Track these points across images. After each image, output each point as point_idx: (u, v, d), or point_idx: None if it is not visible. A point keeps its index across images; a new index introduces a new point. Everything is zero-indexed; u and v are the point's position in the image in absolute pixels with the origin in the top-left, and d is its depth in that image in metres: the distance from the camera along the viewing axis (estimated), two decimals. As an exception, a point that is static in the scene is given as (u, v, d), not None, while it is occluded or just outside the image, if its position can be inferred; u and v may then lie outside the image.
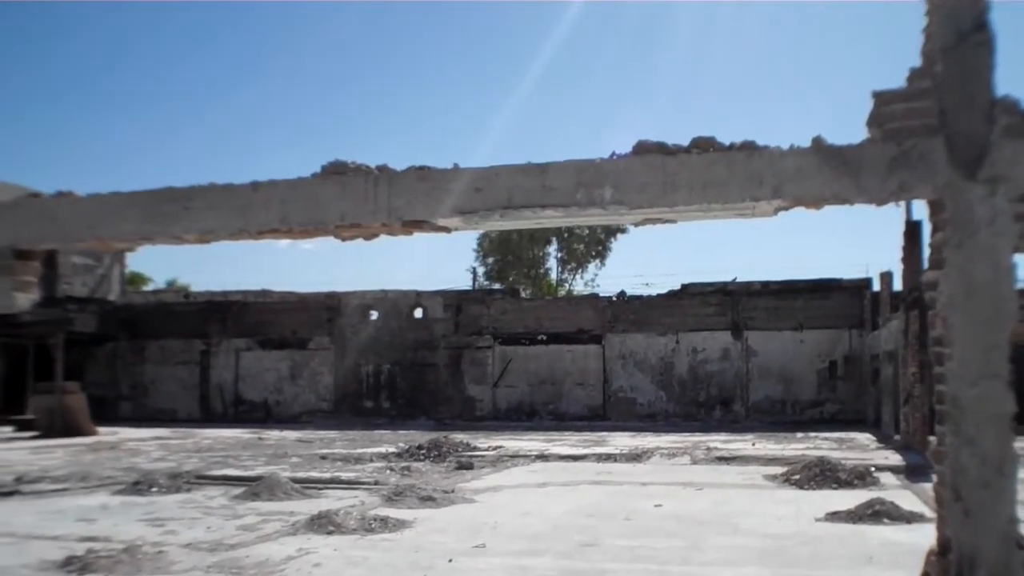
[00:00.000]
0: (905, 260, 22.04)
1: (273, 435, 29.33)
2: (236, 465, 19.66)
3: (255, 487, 15.14)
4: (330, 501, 14.25)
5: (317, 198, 6.73)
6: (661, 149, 6.10)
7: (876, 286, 32.79)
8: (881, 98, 6.02)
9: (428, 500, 13.75)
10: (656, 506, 13.31)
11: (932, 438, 22.03)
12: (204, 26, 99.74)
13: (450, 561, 9.43)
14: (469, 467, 19.00)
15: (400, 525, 11.69)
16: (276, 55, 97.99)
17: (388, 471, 18.44)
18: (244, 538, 11.05)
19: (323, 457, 21.26)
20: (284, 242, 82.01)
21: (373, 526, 11.49)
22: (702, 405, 35.74)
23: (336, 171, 6.77)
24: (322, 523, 11.54)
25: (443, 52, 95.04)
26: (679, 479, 16.68)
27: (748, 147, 6.00)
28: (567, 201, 6.17)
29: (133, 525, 12.10)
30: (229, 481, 16.87)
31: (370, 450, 22.72)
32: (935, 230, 5.95)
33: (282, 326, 39.80)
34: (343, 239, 7.00)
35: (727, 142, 6.11)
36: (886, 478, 16.43)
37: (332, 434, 29.71)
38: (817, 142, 5.95)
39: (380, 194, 6.57)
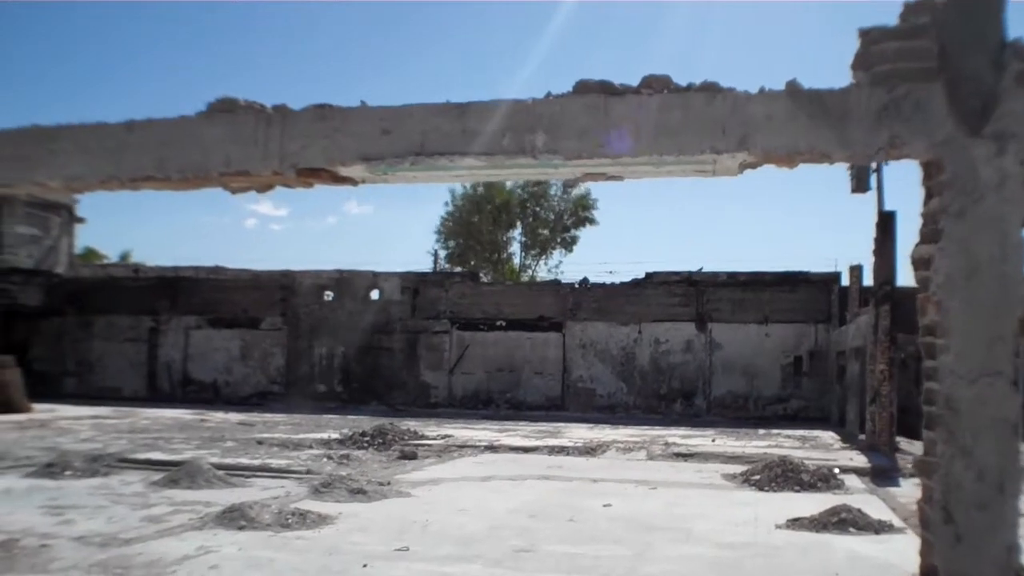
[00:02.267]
0: (877, 253, 21.14)
1: (217, 417, 28.14)
2: (165, 448, 18.50)
3: (175, 473, 14.03)
4: (254, 491, 13.19)
5: (200, 140, 5.66)
6: (605, 88, 5.07)
7: (845, 280, 31.90)
8: (869, 36, 5.01)
9: (358, 493, 12.69)
10: (605, 506, 12.32)
11: (899, 439, 21.16)
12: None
13: (364, 567, 8.38)
14: (412, 457, 17.95)
15: (321, 521, 10.62)
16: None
17: (325, 459, 17.35)
18: (144, 532, 9.95)
19: (260, 442, 20.12)
20: (251, 220, 79.20)
21: (290, 522, 10.42)
22: (663, 398, 34.82)
23: (224, 109, 5.69)
24: (234, 517, 10.45)
25: (434, 52, 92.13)
26: (633, 476, 15.69)
27: (709, 88, 4.98)
28: (491, 148, 5.13)
29: (29, 513, 10.99)
30: (152, 465, 15.74)
31: (312, 435, 21.60)
32: (929, 196, 4.96)
33: (234, 304, 38.48)
34: (231, 191, 5.92)
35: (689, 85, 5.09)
36: (851, 481, 15.53)
37: (279, 417, 28.53)
38: (792, 85, 4.94)
39: (272, 136, 5.51)
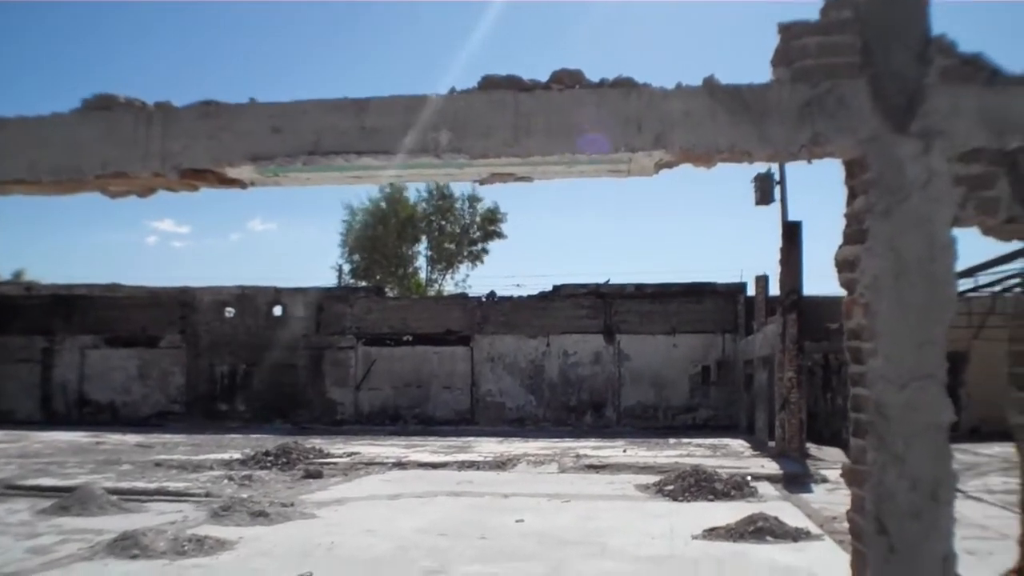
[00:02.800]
0: (783, 262, 21.27)
1: (114, 439, 27.07)
2: (57, 473, 17.63)
3: (65, 500, 13.35)
4: (150, 516, 12.60)
5: (75, 140, 5.17)
6: (513, 84, 4.76)
7: (751, 290, 32.13)
8: (790, 31, 4.79)
9: (260, 516, 12.16)
10: (517, 522, 12.01)
11: (809, 445, 21.31)
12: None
13: (265, 596, 7.93)
14: (317, 476, 17.42)
15: (219, 547, 10.10)
16: None
17: (226, 480, 16.72)
18: (28, 564, 9.34)
19: (158, 464, 19.34)
20: (152, 238, 76.48)
21: (186, 548, 9.89)
22: (573, 410, 34.66)
23: (100, 106, 5.23)
24: (126, 545, 9.89)
25: (356, 53, 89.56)
26: (545, 490, 15.42)
27: (624, 84, 4.70)
28: (391, 147, 4.78)
29: (-98, 547, 10.24)
30: (42, 492, 14.97)
31: (213, 456, 20.86)
32: (853, 196, 4.75)
33: (132, 322, 37.18)
34: (110, 195, 5.45)
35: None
36: (764, 488, 15.50)
37: (179, 438, 27.58)
38: (710, 81, 4.70)
39: (153, 136, 5.06)
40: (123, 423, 34.96)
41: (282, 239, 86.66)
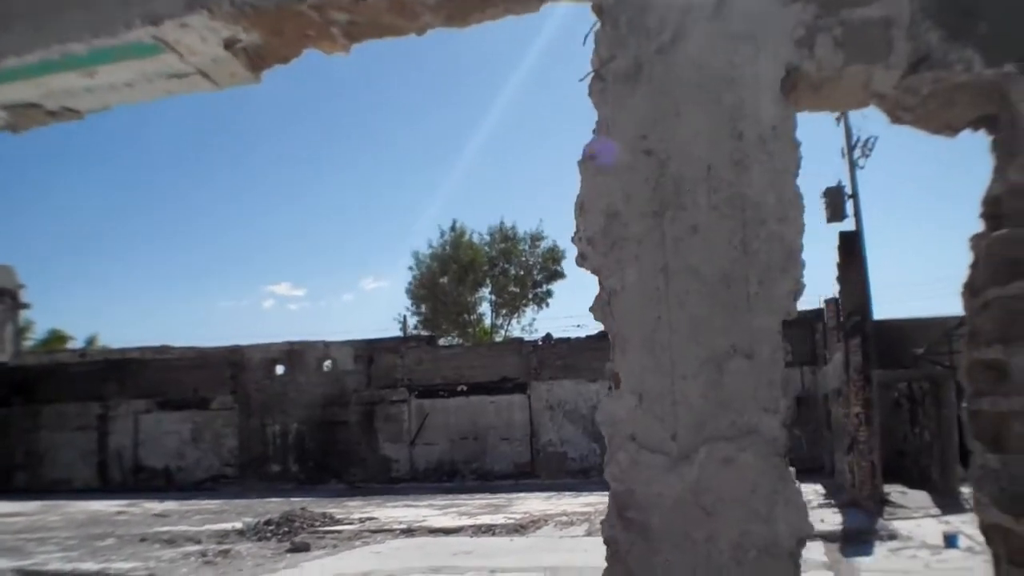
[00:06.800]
0: (841, 279, 18.47)
1: (142, 508, 25.43)
2: (22, 552, 15.86)
3: (-27, 592, 11.55)
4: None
5: None
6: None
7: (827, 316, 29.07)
8: None
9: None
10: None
11: (893, 488, 18.39)
12: None
13: None
14: (303, 549, 15.34)
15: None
16: None
17: (195, 557, 14.76)
18: None
19: (143, 539, 17.44)
20: (269, 302, 76.25)
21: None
22: (641, 458, 31.73)
23: None
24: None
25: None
26: (546, 562, 12.98)
27: None
28: None
29: None
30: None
31: (217, 526, 19.03)
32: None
33: (183, 385, 35.81)
34: None
35: None
36: (812, 551, 12.75)
37: (212, 504, 25.85)
38: None
39: None
40: (178, 488, 33.61)
41: (390, 295, 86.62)
